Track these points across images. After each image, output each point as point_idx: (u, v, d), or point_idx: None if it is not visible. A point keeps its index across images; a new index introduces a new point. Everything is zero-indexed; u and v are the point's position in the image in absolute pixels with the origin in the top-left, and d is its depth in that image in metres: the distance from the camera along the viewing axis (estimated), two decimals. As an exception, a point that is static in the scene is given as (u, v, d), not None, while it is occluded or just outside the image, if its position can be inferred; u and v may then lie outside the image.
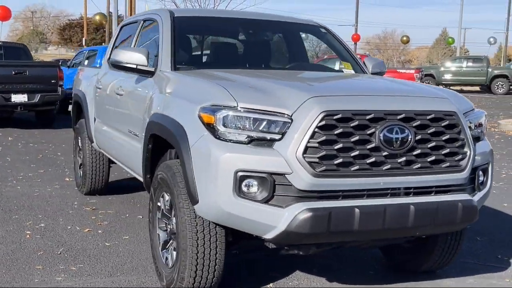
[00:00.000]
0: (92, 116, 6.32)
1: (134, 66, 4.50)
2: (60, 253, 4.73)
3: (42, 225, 5.53)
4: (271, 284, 4.17)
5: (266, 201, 3.25)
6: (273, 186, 3.24)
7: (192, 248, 3.55)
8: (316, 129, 3.23)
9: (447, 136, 3.50)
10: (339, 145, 3.27)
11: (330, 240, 3.48)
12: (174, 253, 3.80)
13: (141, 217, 5.88)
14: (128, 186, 7.14)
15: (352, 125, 3.29)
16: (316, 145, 3.23)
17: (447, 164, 3.50)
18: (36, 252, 4.74)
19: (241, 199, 3.26)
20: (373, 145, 3.32)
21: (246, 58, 5.06)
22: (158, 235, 4.08)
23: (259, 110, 3.32)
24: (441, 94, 3.76)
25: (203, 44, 5.11)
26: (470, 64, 31.47)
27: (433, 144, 3.46)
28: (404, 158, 3.39)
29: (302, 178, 3.21)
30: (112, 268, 4.43)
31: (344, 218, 3.26)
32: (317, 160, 3.23)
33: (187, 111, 3.61)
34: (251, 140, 3.31)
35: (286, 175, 3.23)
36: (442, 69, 32.18)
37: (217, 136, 3.34)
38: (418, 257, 4.27)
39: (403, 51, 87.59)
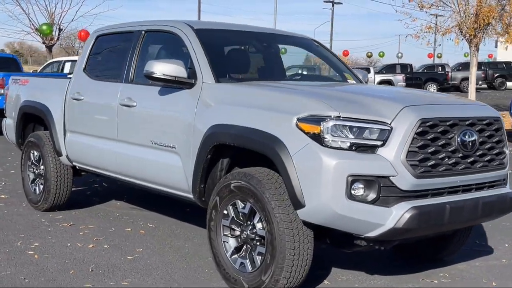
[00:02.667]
0: (61, 128, 6.08)
1: (173, 78, 4.54)
2: (92, 270, 4.60)
3: (36, 244, 5.25)
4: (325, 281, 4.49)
5: (374, 202, 3.60)
6: (379, 188, 3.59)
7: (290, 250, 3.77)
8: (415, 135, 3.65)
9: (496, 138, 4.12)
10: (432, 149, 3.73)
11: (424, 234, 3.92)
12: (258, 257, 3.97)
13: (130, 229, 5.81)
14: (76, 199, 6.89)
15: (438, 130, 3.77)
16: (416, 149, 3.66)
17: (497, 162, 4.12)
18: (65, 271, 4.56)
19: (352, 201, 3.58)
20: (453, 147, 3.83)
21: (269, 69, 5.31)
22: (224, 242, 4.21)
23: (361, 119, 3.66)
24: (481, 102, 4.40)
25: (226, 56, 5.23)
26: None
27: (489, 145, 4.06)
28: (472, 159, 3.94)
29: (406, 180, 3.62)
30: (167, 279, 4.44)
31: (439, 213, 3.73)
32: (417, 163, 3.66)
33: (277, 121, 3.81)
34: (354, 147, 3.63)
35: (390, 178, 3.61)
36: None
37: (324, 144, 3.61)
38: (438, 246, 4.85)
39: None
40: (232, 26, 5.40)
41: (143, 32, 5.36)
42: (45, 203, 6.41)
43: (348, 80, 5.39)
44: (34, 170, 6.66)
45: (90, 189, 7.77)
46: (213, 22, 5.42)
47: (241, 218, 4.11)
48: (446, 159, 3.80)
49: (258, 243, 4.00)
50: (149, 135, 4.92)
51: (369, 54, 56.01)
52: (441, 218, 3.75)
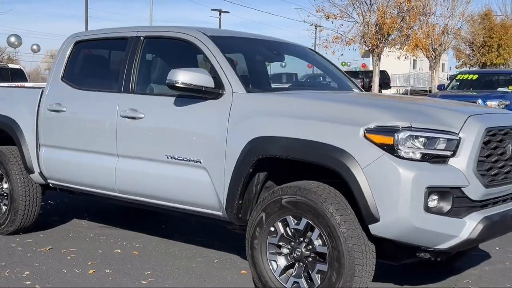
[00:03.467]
0: (33, 143, 5.52)
1: (200, 88, 4.25)
2: (114, 299, 4.18)
3: (27, 272, 4.71)
4: None
5: (448, 213, 3.55)
6: (453, 199, 3.55)
7: (359, 267, 3.62)
8: (483, 144, 3.65)
9: None
10: (494, 158, 3.75)
11: (488, 240, 3.92)
12: (318, 275, 3.78)
13: (119, 251, 5.38)
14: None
15: (497, 139, 3.80)
16: (484, 158, 3.66)
17: None
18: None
19: (429, 214, 3.50)
20: (508, 155, 3.87)
21: (287, 78, 5.11)
22: (271, 260, 3.98)
23: (431, 129, 3.60)
24: (507, 111, 4.50)
25: (247, 65, 4.95)
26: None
27: None
28: None
29: (477, 190, 3.60)
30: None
31: (504, 222, 3.76)
32: (485, 172, 3.66)
33: (341, 133, 3.65)
34: (426, 158, 3.56)
35: (462, 188, 3.58)
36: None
37: (398, 156, 3.51)
38: (457, 256, 4.88)
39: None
40: (241, 33, 5.16)
41: (142, 38, 4.96)
42: (10, 226, 5.78)
43: (353, 89, 5.32)
44: (-8, 189, 5.99)
45: (43, 207, 7.12)
46: (221, 30, 5.13)
47: (292, 235, 3.90)
48: (504, 168, 3.84)
49: (316, 261, 3.81)
50: (163, 149, 4.55)
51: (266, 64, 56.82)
52: (505, 227, 3.79)
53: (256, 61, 5.13)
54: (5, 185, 5.84)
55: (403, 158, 3.51)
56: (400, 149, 3.51)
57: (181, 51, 4.87)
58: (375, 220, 3.52)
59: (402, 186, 3.45)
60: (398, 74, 49.27)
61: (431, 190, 3.49)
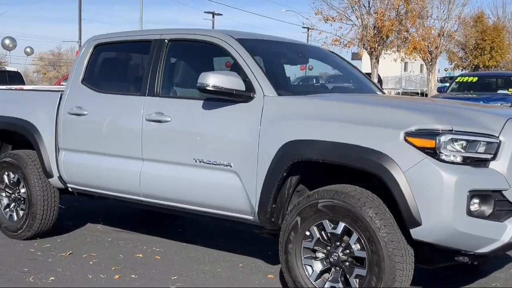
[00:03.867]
0: (53, 147, 5.46)
1: (231, 91, 4.21)
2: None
3: (52, 278, 4.65)
4: None
5: (489, 217, 3.53)
6: (494, 202, 3.53)
7: (400, 271, 3.60)
8: None
9: None
10: None
11: None
12: (356, 280, 3.75)
13: (140, 255, 5.32)
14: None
15: None
16: None
17: None
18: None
19: (471, 218, 3.48)
20: None
21: (312, 81, 5.07)
22: (306, 265, 3.95)
23: (471, 132, 3.58)
24: None
25: (275, 67, 4.91)
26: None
27: None
28: None
29: None
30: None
31: None
32: None
33: (380, 136, 3.63)
34: (466, 161, 3.54)
35: (503, 191, 3.56)
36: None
37: (440, 159, 3.49)
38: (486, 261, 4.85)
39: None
40: (262, 36, 5.12)
41: (166, 41, 4.91)
42: (28, 231, 5.70)
43: (377, 92, 5.30)
44: (9, 194, 5.91)
45: (56, 212, 7.05)
46: (245, 32, 5.08)
47: (329, 239, 3.87)
48: None
49: (354, 265, 3.78)
50: (191, 153, 4.50)
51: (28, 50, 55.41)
52: None
53: (282, 64, 5.09)
54: (22, 190, 5.77)
55: (444, 161, 3.49)
56: (442, 153, 3.49)
57: (207, 54, 4.83)
58: (417, 224, 3.50)
59: (445, 189, 3.43)
60: (389, 77, 49.42)
61: (473, 194, 3.47)
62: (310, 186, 4.21)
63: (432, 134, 3.52)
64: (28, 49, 37.70)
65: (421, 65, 43.45)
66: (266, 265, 5.08)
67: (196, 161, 4.47)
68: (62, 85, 19.96)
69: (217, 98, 4.34)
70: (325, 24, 19.03)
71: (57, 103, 5.47)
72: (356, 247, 3.74)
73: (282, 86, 4.51)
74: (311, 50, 5.52)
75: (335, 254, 3.84)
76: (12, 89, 6.92)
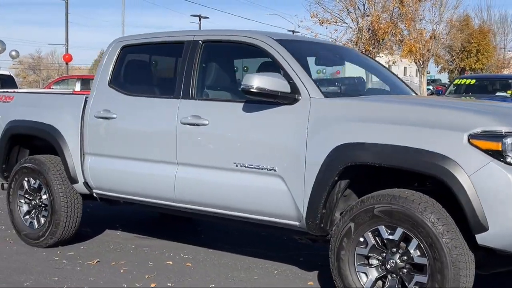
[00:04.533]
0: (78, 152, 5.29)
1: (277, 93, 4.09)
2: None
3: (86, 288, 4.48)
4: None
5: None
6: None
7: (464, 278, 3.50)
8: None
9: None
10: None
11: None
12: (415, 287, 3.64)
13: (171, 263, 5.17)
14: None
15: None
16: None
17: None
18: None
19: None
20: None
21: (350, 82, 4.96)
22: (360, 272, 3.82)
23: None
24: None
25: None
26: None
27: None
28: None
29: None
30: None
31: None
32: None
33: (442, 138, 3.52)
34: None
35: None
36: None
37: (506, 162, 3.39)
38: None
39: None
40: (296, 37, 5.00)
41: (200, 42, 4.77)
42: (50, 239, 5.51)
43: (412, 93, 5.20)
44: (29, 201, 5.72)
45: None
46: (283, 34, 4.95)
47: (384, 246, 3.75)
48: None
49: (413, 272, 3.66)
50: (232, 157, 4.36)
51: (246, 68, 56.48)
52: None
53: (322, 66, 4.97)
54: (44, 196, 5.58)
55: (510, 164, 3.39)
56: (508, 155, 3.39)
57: (244, 55, 4.70)
58: (484, 229, 3.39)
59: None
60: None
61: None
62: (357, 191, 4.09)
63: (497, 136, 3.42)
64: (13, 52, 37.13)
65: (416, 69, 43.65)
66: (301, 272, 4.95)
67: (236, 166, 4.33)
68: (53, 88, 19.78)
69: (259, 101, 4.21)
70: (320, 26, 18.99)
71: (82, 106, 5.29)
72: (415, 253, 3.62)
73: (326, 87, 4.38)
74: (346, 51, 5.41)
75: (392, 260, 3.72)
76: (32, 93, 6.71)
